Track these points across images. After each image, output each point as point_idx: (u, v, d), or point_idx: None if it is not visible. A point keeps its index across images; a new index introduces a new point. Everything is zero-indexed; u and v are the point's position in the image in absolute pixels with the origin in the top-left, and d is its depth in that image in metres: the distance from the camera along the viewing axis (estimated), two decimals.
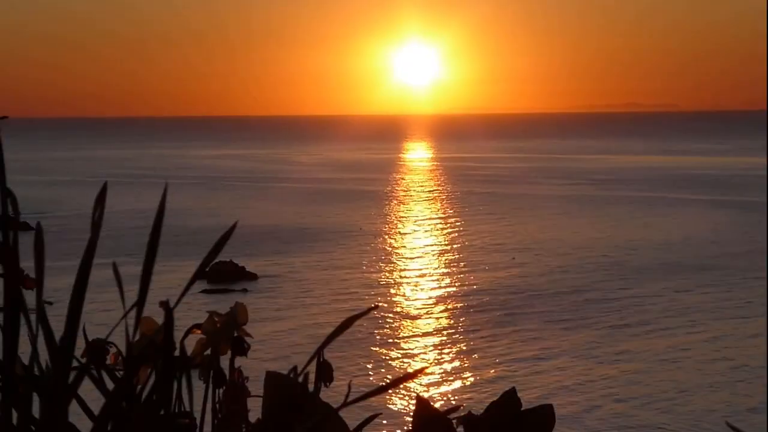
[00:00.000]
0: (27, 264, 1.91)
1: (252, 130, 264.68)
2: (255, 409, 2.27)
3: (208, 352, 2.25)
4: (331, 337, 1.91)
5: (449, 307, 30.05)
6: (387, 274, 35.27)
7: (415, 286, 33.44)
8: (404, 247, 42.37)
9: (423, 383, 21.75)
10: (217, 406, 2.23)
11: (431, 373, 22.70)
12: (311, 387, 2.22)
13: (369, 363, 23.34)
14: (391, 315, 28.43)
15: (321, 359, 2.27)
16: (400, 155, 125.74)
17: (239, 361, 2.29)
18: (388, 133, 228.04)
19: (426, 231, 48.12)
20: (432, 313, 29.10)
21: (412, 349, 25.11)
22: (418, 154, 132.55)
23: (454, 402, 20.30)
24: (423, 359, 24.02)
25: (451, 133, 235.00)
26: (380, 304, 29.07)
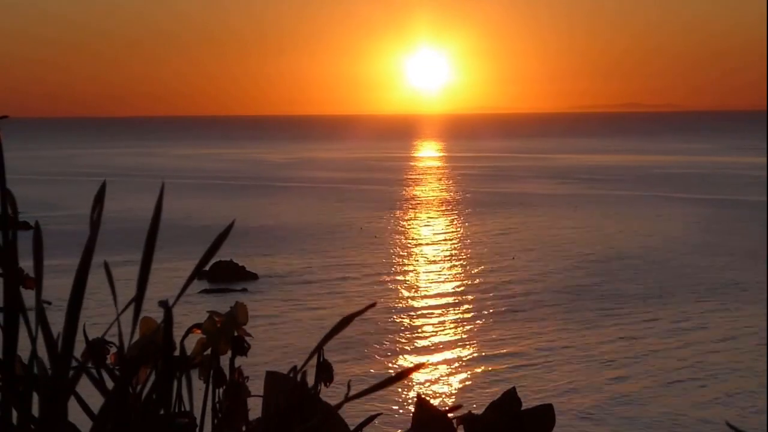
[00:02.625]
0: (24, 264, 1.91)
1: (270, 129, 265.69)
2: (255, 409, 2.26)
3: (208, 352, 2.25)
4: (330, 335, 1.90)
5: (449, 306, 30.04)
6: (387, 274, 35.26)
7: (415, 285, 33.43)
8: (404, 246, 42.36)
9: (423, 382, 21.75)
10: (217, 405, 2.23)
11: (431, 373, 22.70)
12: (311, 384, 2.22)
13: (369, 362, 23.34)
14: (390, 314, 28.42)
15: (321, 359, 2.26)
16: (402, 155, 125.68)
17: (239, 361, 2.28)
18: (397, 132, 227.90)
19: (426, 230, 48.13)
20: (431, 313, 29.09)
21: (412, 349, 25.11)
22: (421, 154, 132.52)
23: (454, 401, 20.30)
24: (423, 358, 24.02)
25: (455, 132, 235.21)
26: (379, 302, 29.07)
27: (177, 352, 1.99)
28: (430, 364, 23.47)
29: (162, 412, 1.87)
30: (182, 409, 2.05)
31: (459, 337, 26.34)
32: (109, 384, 1.94)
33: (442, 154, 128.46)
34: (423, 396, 2.57)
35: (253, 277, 33.78)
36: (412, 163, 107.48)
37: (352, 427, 2.20)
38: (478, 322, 27.81)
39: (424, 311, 29.33)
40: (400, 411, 19.09)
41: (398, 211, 56.18)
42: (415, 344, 25.64)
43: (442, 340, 26.10)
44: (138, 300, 1.84)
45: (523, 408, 2.57)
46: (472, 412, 2.55)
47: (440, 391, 21.47)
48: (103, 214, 1.86)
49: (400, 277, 34.75)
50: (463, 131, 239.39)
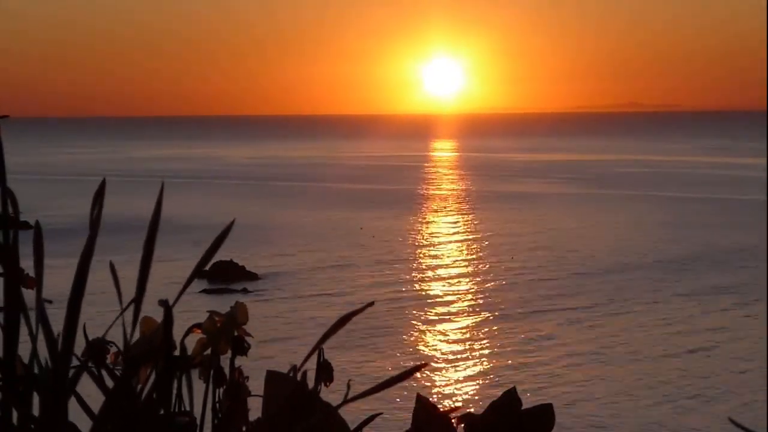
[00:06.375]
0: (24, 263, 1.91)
1: (272, 128, 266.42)
2: (255, 409, 2.26)
3: (208, 352, 2.25)
4: (328, 334, 1.90)
5: (448, 306, 30.04)
6: (387, 273, 35.25)
7: (415, 285, 33.42)
8: (404, 246, 42.34)
9: (423, 382, 21.74)
10: (217, 405, 2.23)
11: (431, 372, 22.69)
12: (311, 384, 2.22)
13: (369, 362, 23.34)
14: (390, 313, 28.42)
15: (321, 359, 2.26)
16: (405, 154, 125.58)
17: (239, 361, 2.28)
18: (406, 132, 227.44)
19: (425, 230, 48.12)
20: (431, 312, 29.09)
21: (412, 348, 25.11)
22: (423, 153, 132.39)
23: (454, 401, 20.31)
24: (422, 358, 24.02)
25: (463, 131, 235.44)
26: (377, 301, 29.07)
27: (177, 352, 1.99)
28: (430, 363, 23.47)
29: (162, 411, 1.87)
30: (182, 409, 2.05)
31: (458, 336, 26.33)
32: (110, 384, 1.94)
33: (445, 154, 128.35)
34: (423, 395, 2.57)
35: (253, 276, 33.75)
36: (414, 163, 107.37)
37: (352, 427, 2.20)
38: (476, 321, 27.80)
39: (423, 310, 29.33)
40: (401, 410, 19.09)
41: (398, 211, 56.15)
42: (414, 342, 25.64)
43: (441, 338, 26.10)
44: (138, 300, 1.84)
45: (523, 407, 2.57)
46: (472, 411, 2.55)
47: (440, 390, 21.47)
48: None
49: (399, 277, 34.74)
50: (469, 131, 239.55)
